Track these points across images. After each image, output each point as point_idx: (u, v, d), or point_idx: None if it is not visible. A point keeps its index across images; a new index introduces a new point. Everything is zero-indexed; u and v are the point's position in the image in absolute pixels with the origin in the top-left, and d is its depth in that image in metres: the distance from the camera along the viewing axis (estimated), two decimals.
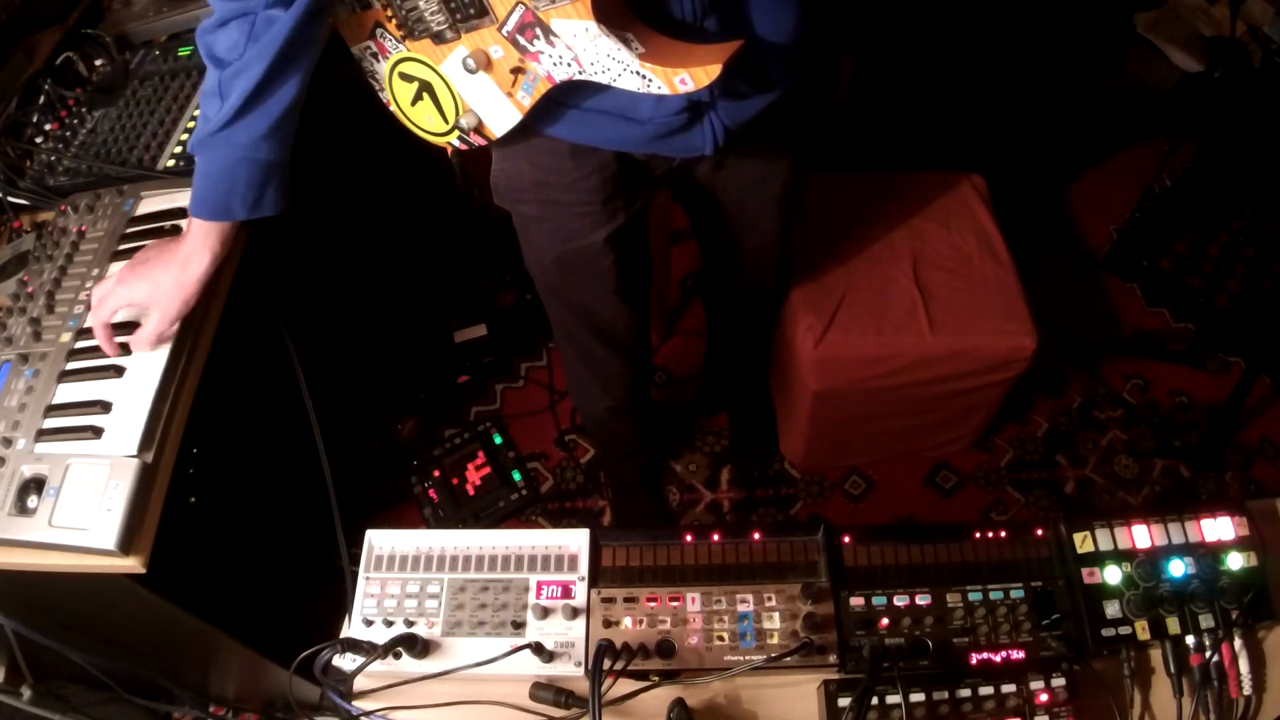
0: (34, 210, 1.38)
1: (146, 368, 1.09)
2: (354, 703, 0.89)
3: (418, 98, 1.03)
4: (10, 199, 1.37)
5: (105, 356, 1.11)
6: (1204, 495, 1.99)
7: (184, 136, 1.42)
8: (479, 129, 1.03)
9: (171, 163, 1.38)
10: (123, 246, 1.24)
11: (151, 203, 1.29)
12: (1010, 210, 1.87)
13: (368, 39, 1.01)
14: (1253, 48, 2.21)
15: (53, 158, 1.43)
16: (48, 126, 1.48)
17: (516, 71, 0.95)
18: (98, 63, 1.59)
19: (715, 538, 0.94)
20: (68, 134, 1.47)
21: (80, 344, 1.14)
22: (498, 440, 2.09)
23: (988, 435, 2.07)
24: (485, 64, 0.96)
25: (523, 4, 0.89)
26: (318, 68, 1.57)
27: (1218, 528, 0.93)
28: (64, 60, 1.56)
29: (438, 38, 0.96)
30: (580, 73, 0.92)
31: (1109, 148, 2.60)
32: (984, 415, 1.94)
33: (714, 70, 0.88)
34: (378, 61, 1.03)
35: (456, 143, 1.06)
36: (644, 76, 0.90)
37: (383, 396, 2.16)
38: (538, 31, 0.91)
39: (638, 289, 1.42)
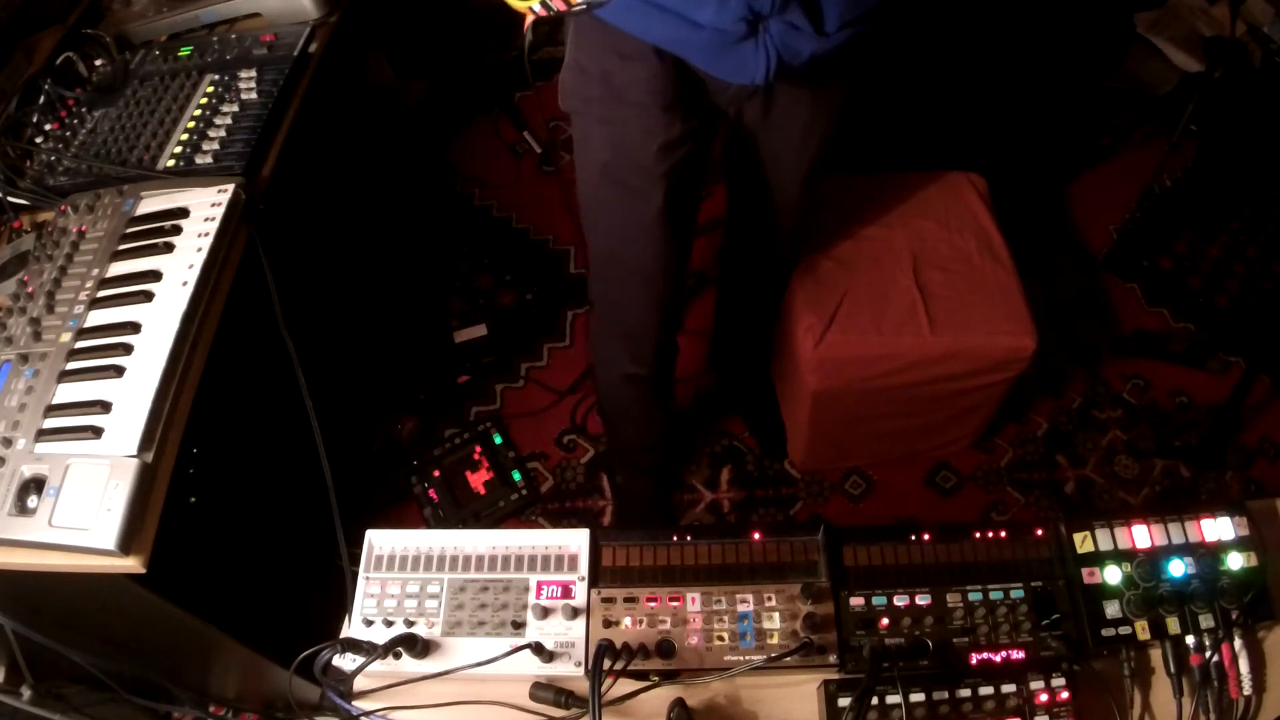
0: (34, 210, 1.38)
1: (146, 368, 1.10)
2: (354, 703, 0.89)
3: None
4: (10, 199, 1.37)
5: (105, 356, 1.11)
6: (1204, 495, 1.99)
7: (184, 136, 1.42)
8: None
9: (171, 163, 1.38)
10: (123, 246, 1.24)
11: (151, 203, 1.29)
12: (1010, 210, 1.87)
13: None
14: (1253, 48, 2.21)
15: (53, 158, 1.43)
16: (48, 126, 1.49)
17: None
18: (98, 63, 1.59)
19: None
20: (68, 134, 1.47)
21: (80, 344, 1.14)
22: (498, 440, 2.09)
23: (988, 435, 2.07)
24: None
25: None
26: (316, 69, 1.58)
27: (1218, 528, 0.93)
28: (64, 60, 1.56)
29: None
30: None
31: (1109, 148, 2.60)
32: (984, 415, 1.94)
33: None
34: None
35: (538, 7, 1.03)
36: None
37: (383, 396, 2.16)
38: None
39: (680, 228, 1.40)
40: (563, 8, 1.01)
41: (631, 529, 1.76)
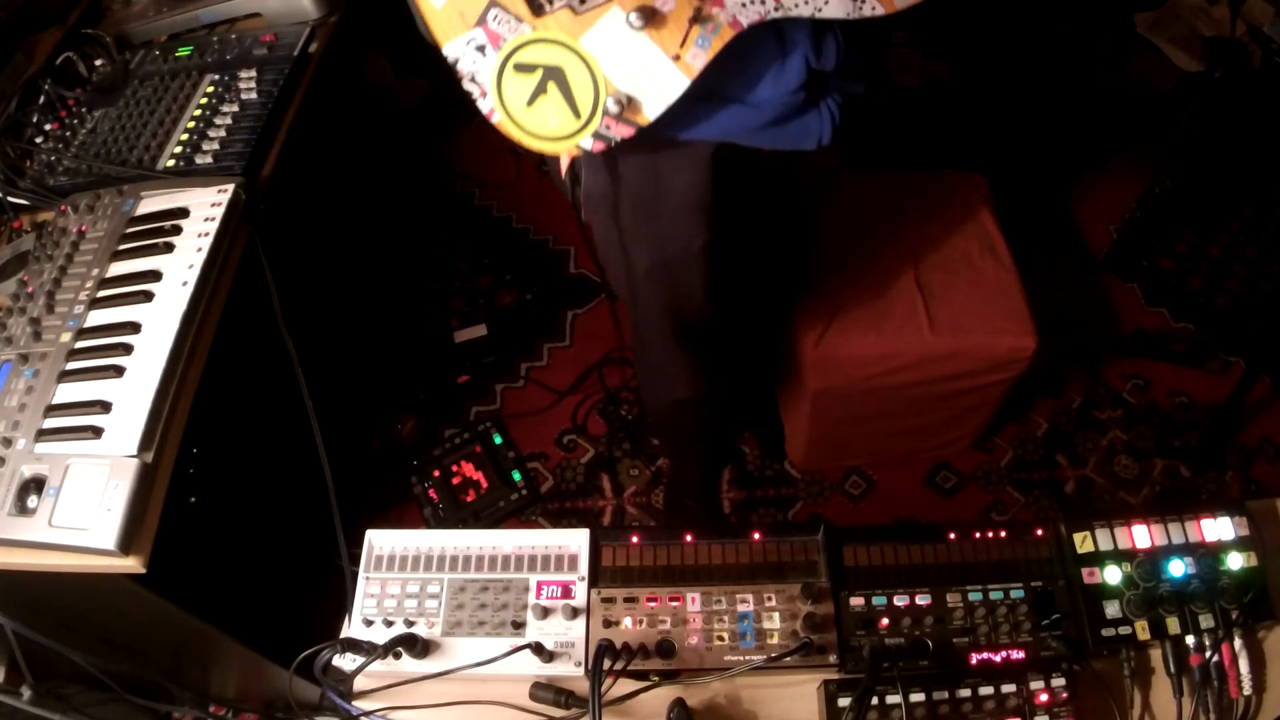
0: (34, 210, 1.38)
1: (146, 368, 1.10)
2: (354, 703, 0.89)
3: (538, 92, 0.87)
4: (10, 199, 1.37)
5: (105, 356, 1.11)
6: (1204, 495, 1.99)
7: (184, 136, 1.42)
8: (624, 114, 0.86)
9: (171, 163, 1.39)
10: (123, 246, 1.24)
11: (151, 203, 1.29)
12: (1011, 210, 1.87)
13: (475, 26, 0.84)
14: (1253, 48, 2.21)
15: (53, 158, 1.43)
16: (48, 126, 1.49)
17: (693, 22, 0.81)
18: (98, 63, 1.59)
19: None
20: (68, 134, 1.47)
21: (80, 344, 1.14)
22: (498, 440, 2.09)
23: (988, 435, 2.07)
24: (650, 20, 0.81)
25: None
26: (316, 69, 1.58)
27: (1218, 528, 0.93)
28: (64, 60, 1.56)
29: (583, 2, 0.82)
30: (776, 9, 0.80)
31: (1109, 148, 2.60)
32: (984, 415, 1.93)
33: None
34: (483, 56, 0.86)
35: (588, 143, 0.88)
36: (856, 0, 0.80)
37: (383, 396, 2.16)
38: None
39: (727, 288, 1.36)
40: (627, 133, 0.88)
41: (678, 515, 1.71)
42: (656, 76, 0.84)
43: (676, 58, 0.83)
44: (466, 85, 0.88)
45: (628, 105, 0.85)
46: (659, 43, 0.82)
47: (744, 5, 0.80)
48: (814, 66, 0.94)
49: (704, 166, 1.07)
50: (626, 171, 1.06)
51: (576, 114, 0.87)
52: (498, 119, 0.89)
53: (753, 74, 0.89)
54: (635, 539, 0.94)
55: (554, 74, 0.85)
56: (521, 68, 0.86)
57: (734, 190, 1.15)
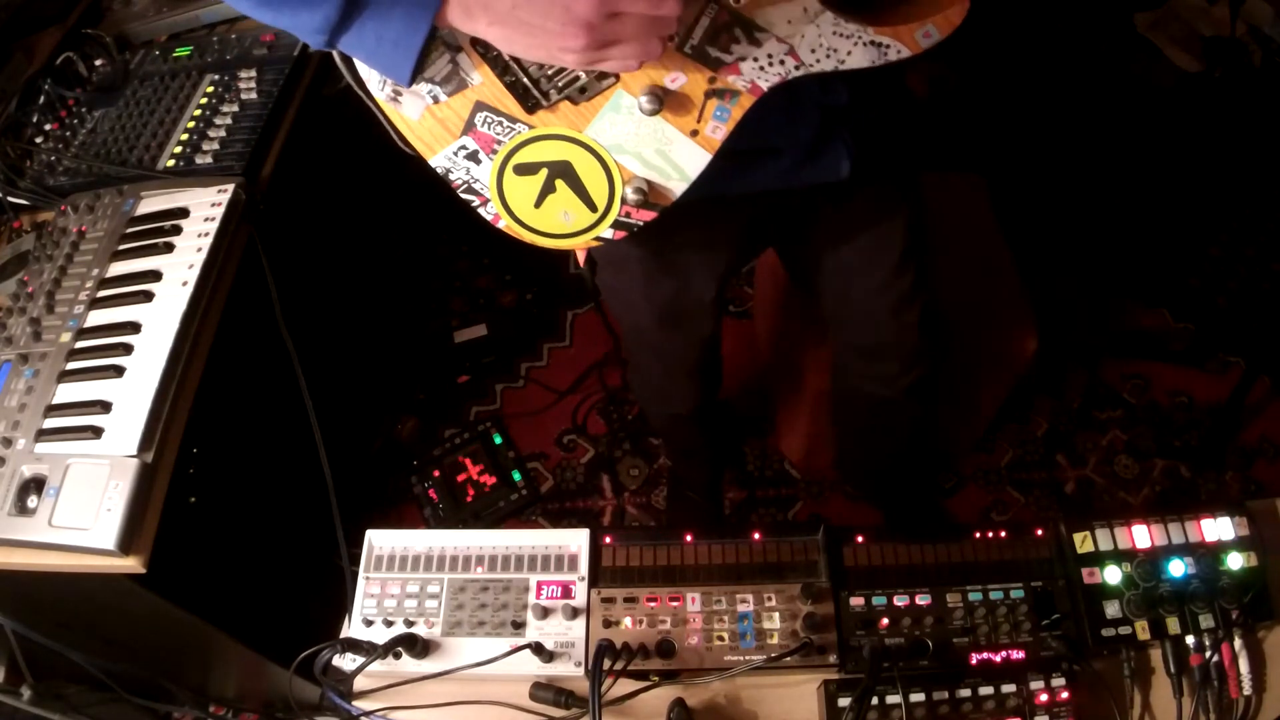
0: (34, 210, 1.38)
1: (146, 367, 1.10)
2: (354, 703, 0.89)
3: (546, 191, 0.81)
4: (10, 199, 1.37)
5: (105, 356, 1.11)
6: (1204, 495, 1.98)
7: (184, 136, 1.42)
8: (647, 199, 0.80)
9: (171, 163, 1.38)
10: (123, 246, 1.24)
11: (151, 203, 1.29)
12: (1011, 211, 1.87)
13: (463, 134, 0.79)
14: (1253, 48, 2.22)
15: (53, 158, 1.43)
16: (48, 126, 1.49)
17: (710, 95, 0.77)
18: (98, 63, 1.59)
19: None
20: (68, 134, 1.47)
21: (80, 344, 1.14)
22: (498, 440, 2.09)
23: (988, 435, 2.07)
24: (662, 102, 0.77)
25: (715, 2, 0.73)
26: (316, 69, 1.58)
27: (1218, 528, 0.93)
28: (64, 60, 1.56)
29: (583, 92, 0.77)
30: (796, 68, 0.76)
31: (1109, 147, 2.60)
32: (984, 415, 1.93)
33: (958, 14, 0.74)
34: (476, 164, 0.80)
35: (609, 233, 0.83)
36: (880, 45, 0.76)
37: (383, 396, 2.16)
38: (737, 34, 0.74)
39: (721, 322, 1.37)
40: (649, 218, 0.82)
41: (682, 505, 1.77)
42: (676, 156, 0.79)
43: (694, 133, 0.78)
44: (463, 195, 0.82)
45: (649, 190, 0.80)
46: (674, 122, 0.77)
47: (762, 69, 0.75)
48: (823, 104, 0.93)
49: (721, 215, 1.06)
50: (642, 238, 0.99)
51: (592, 207, 0.81)
52: (504, 224, 0.83)
53: (767, 125, 0.84)
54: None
55: (561, 170, 0.80)
56: (522, 169, 0.80)
57: (744, 228, 1.14)
